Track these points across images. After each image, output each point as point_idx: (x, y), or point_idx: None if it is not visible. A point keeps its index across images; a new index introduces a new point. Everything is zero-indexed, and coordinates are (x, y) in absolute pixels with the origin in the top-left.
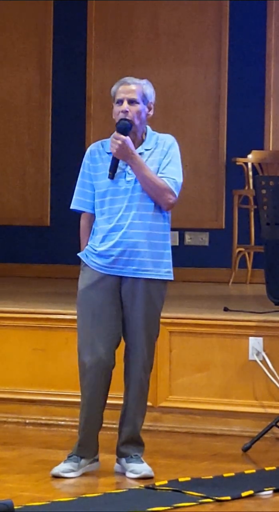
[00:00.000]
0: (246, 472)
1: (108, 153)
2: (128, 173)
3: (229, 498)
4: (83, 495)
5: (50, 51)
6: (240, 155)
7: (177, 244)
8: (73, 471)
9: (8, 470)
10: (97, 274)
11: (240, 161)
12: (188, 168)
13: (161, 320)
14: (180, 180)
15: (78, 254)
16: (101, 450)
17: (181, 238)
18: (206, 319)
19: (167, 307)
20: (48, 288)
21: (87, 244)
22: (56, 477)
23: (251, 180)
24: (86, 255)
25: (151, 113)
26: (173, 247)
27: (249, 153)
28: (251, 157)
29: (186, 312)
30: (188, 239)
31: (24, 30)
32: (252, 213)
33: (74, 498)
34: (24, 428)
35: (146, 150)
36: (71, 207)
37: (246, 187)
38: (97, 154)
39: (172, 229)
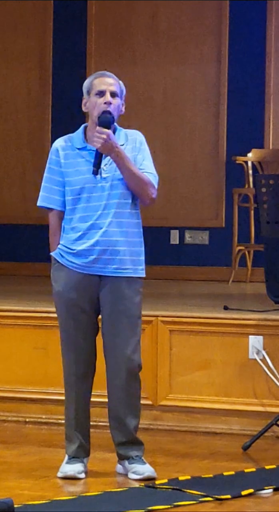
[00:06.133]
0: (246, 470)
1: (78, 148)
2: (104, 170)
3: (229, 496)
4: (84, 494)
5: (50, 50)
6: (240, 153)
7: (177, 242)
8: (84, 472)
9: (8, 468)
10: (76, 274)
11: (240, 159)
12: (188, 167)
13: (161, 318)
14: (157, 175)
15: (51, 254)
16: (101, 449)
17: (181, 236)
18: (206, 317)
19: (167, 305)
20: (48, 286)
21: (58, 243)
22: (71, 478)
23: (251, 179)
24: (61, 255)
25: (123, 110)
26: (173, 245)
27: (249, 151)
28: (251, 155)
29: (186, 311)
30: (188, 237)
31: (24, 30)
32: (252, 212)
33: (75, 497)
34: (24, 427)
35: (120, 145)
36: (38, 204)
37: (246, 186)
38: (67, 150)
39: (173, 228)
